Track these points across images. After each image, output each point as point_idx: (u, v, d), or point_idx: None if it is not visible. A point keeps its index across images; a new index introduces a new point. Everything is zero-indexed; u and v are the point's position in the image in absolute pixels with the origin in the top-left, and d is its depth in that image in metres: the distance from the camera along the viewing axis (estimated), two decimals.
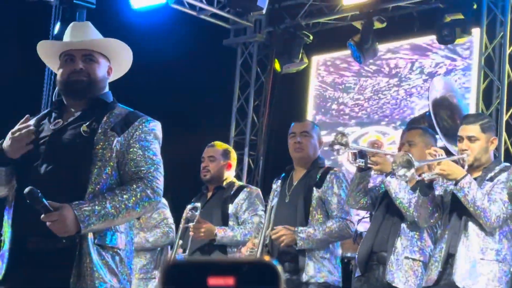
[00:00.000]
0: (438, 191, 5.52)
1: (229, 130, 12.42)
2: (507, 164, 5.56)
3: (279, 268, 1.46)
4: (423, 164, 5.36)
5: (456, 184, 5.23)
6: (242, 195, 6.71)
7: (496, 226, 5.24)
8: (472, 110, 10.45)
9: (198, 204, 6.65)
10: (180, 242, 6.65)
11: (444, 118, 7.29)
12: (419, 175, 5.45)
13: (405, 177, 5.28)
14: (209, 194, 6.86)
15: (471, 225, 5.29)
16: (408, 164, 5.21)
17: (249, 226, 6.57)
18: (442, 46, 10.89)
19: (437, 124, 7.05)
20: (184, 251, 6.60)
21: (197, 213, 6.56)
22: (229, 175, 6.91)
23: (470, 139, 5.43)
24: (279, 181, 6.34)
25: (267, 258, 1.46)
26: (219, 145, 7.00)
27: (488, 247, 5.24)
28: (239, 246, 6.59)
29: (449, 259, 5.32)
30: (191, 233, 6.52)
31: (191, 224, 6.54)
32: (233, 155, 7.03)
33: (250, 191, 6.78)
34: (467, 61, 10.92)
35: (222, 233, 6.50)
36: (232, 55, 12.63)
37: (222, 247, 6.59)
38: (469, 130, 5.46)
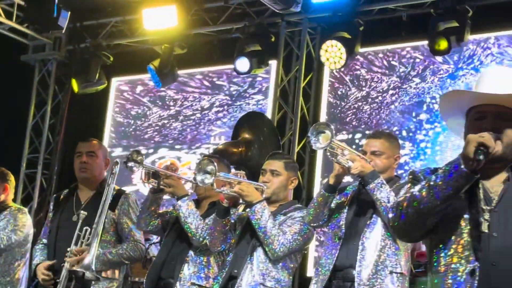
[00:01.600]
0: (233, 219, 5.65)
1: (22, 148, 12.11)
2: (301, 205, 5.83)
3: None
4: (225, 179, 5.48)
5: (251, 207, 5.38)
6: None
7: (281, 255, 5.42)
8: None
9: None
10: None
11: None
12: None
13: (202, 183, 5.38)
14: None
15: (258, 251, 5.45)
16: (210, 173, 5.32)
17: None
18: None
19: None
20: None
21: None
22: (6, 198, 6.78)
23: (273, 173, 5.66)
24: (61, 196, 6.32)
25: None
26: None
27: (270, 275, 5.41)
28: None
29: (230, 282, 5.44)
30: None
31: None
32: (9, 177, 6.88)
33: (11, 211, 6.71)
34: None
35: None
36: (29, 71, 12.34)
37: None
38: (273, 164, 5.70)
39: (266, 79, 11.17)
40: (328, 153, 5.15)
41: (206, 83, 11.65)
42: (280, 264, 5.48)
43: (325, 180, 5.48)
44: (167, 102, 11.89)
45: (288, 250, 5.44)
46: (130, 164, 5.81)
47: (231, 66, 10.63)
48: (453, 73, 9.82)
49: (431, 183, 3.27)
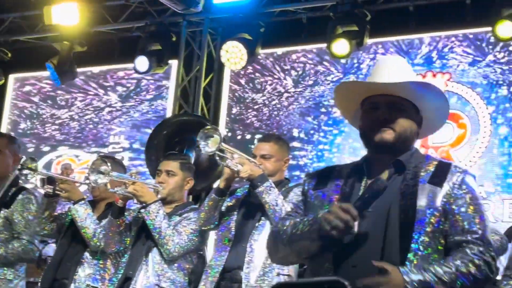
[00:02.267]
0: (128, 219, 5.63)
1: None
2: (196, 206, 5.85)
3: None
4: (119, 179, 5.46)
5: (145, 208, 5.40)
6: None
7: (176, 256, 5.44)
8: None
9: None
10: None
11: None
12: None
13: (96, 183, 5.37)
14: None
15: (153, 252, 5.47)
16: (104, 173, 5.30)
17: None
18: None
19: None
20: None
21: None
22: None
23: (168, 173, 5.68)
24: None
25: None
26: None
27: (165, 276, 5.42)
28: None
29: (125, 283, 5.43)
30: None
31: None
32: None
33: None
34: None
35: None
36: None
37: None
38: (168, 165, 5.71)
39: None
40: (218, 158, 5.16)
41: (92, 84, 11.54)
42: (176, 265, 5.50)
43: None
44: (59, 102, 11.73)
45: (183, 250, 5.46)
46: (24, 171, 5.75)
47: (124, 66, 10.58)
48: (343, 78, 9.95)
49: (298, 230, 3.24)
